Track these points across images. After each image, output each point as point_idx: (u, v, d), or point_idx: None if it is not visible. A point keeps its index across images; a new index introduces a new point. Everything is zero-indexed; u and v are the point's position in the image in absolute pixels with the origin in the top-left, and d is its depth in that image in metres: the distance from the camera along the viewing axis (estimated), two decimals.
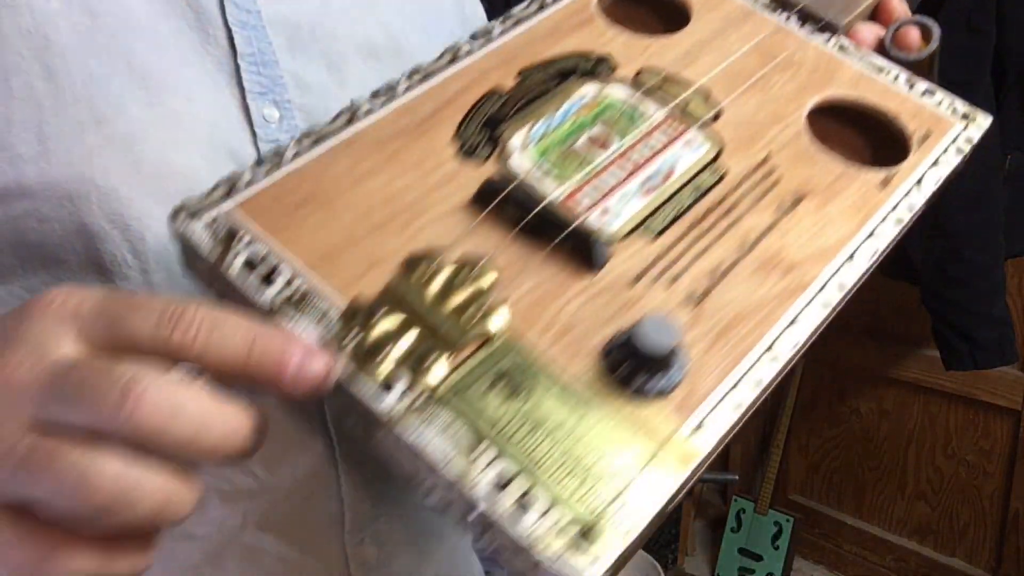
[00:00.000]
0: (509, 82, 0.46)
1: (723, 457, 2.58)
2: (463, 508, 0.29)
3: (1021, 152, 1.66)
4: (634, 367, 0.32)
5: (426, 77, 0.45)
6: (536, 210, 0.38)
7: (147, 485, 0.28)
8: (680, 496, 0.32)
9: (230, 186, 0.38)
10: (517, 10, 0.50)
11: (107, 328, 0.30)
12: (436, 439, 0.30)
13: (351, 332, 0.33)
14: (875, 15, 0.54)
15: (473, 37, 0.48)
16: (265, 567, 0.52)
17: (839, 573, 2.38)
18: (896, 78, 0.49)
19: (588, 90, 0.46)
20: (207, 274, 0.37)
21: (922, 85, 0.49)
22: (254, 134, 0.47)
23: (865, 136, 0.48)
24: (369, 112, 0.43)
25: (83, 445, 0.28)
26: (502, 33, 0.48)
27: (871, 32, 0.52)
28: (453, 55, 0.46)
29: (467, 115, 0.44)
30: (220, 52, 0.47)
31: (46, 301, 0.30)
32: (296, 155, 0.40)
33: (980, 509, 2.13)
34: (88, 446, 0.28)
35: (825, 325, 0.38)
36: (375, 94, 0.44)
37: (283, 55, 0.49)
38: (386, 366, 0.32)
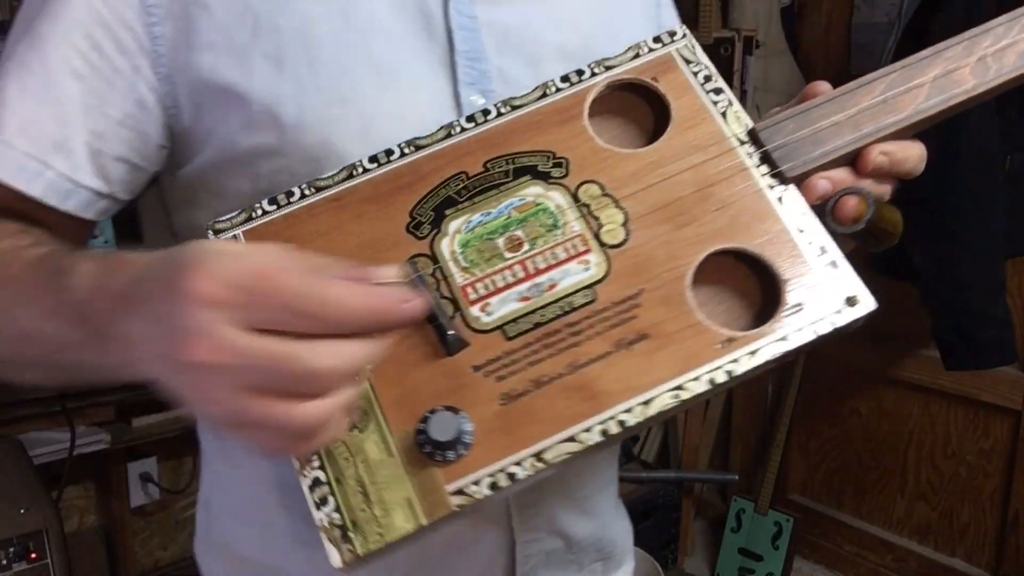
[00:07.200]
0: (477, 168, 0.51)
1: (723, 457, 2.59)
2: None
3: (1021, 152, 1.67)
4: (426, 441, 0.44)
5: (419, 148, 0.51)
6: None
7: (358, 353, 0.39)
8: (432, 528, 0.44)
9: (247, 215, 0.49)
10: (520, 96, 0.53)
11: (264, 311, 0.39)
12: None
13: None
14: (854, 162, 0.52)
15: (469, 119, 0.52)
16: None
17: (839, 573, 2.39)
18: (811, 242, 0.48)
19: (532, 191, 0.50)
20: None
21: (831, 256, 0.48)
22: (460, 115, 0.58)
23: (760, 286, 0.49)
24: (365, 172, 0.51)
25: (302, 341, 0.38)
26: (497, 117, 0.52)
27: (830, 183, 0.51)
28: (447, 132, 0.52)
29: (429, 193, 0.50)
30: (441, 49, 0.60)
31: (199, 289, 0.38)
32: (302, 196, 0.50)
33: (980, 509, 2.13)
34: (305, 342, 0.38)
35: (603, 444, 0.45)
36: (373, 159, 0.51)
37: (492, 53, 0.61)
38: None
